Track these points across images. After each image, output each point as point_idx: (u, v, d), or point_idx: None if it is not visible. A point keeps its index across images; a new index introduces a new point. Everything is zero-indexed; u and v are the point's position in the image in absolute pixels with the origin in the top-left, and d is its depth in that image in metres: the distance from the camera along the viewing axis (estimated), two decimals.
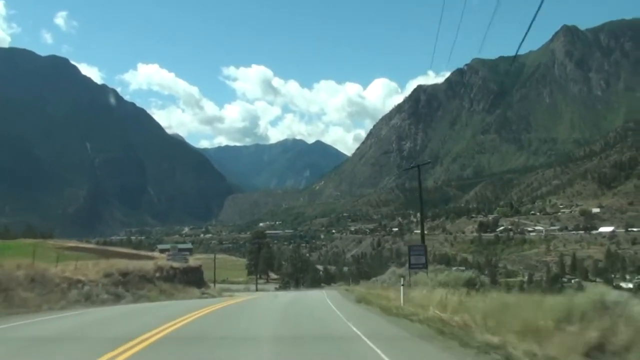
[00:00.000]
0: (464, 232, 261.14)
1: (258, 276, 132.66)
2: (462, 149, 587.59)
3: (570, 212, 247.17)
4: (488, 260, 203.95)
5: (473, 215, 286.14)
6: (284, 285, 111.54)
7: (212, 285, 76.59)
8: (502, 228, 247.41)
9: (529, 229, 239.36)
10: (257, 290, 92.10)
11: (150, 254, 55.99)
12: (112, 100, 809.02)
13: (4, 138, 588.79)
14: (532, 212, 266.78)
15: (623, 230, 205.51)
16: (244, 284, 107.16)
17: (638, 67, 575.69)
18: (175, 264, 38.65)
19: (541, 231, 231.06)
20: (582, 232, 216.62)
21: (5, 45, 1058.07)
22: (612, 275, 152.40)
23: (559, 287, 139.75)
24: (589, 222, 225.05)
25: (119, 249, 73.17)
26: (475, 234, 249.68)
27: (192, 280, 40.25)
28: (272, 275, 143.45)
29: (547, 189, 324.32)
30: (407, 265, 38.94)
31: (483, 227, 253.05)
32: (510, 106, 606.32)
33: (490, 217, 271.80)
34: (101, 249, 65.55)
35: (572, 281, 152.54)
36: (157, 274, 32.90)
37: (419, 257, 27.15)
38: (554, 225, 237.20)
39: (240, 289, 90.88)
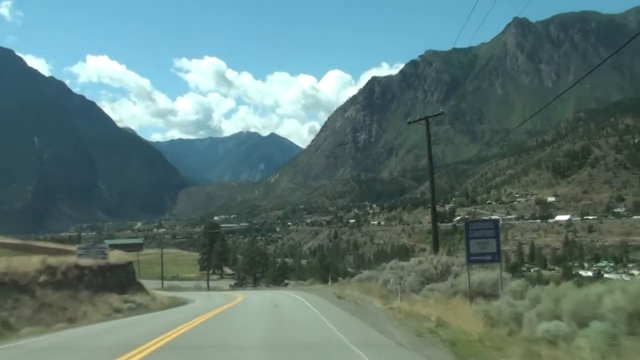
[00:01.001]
0: (421, 223, 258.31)
1: (211, 272, 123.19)
2: (416, 140, 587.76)
3: (526, 201, 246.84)
4: (446, 250, 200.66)
5: (429, 206, 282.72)
6: (240, 282, 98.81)
7: (152, 286, 68.79)
8: (459, 218, 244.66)
9: (486, 218, 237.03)
10: (208, 288, 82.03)
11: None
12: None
13: None
14: (488, 201, 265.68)
15: (579, 219, 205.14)
16: (196, 281, 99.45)
17: (587, 59, 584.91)
18: (84, 262, 29.31)
19: (498, 220, 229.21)
20: (539, 220, 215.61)
21: None
22: (570, 264, 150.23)
23: (519, 275, 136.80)
24: (545, 211, 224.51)
25: (47, 244, 64.64)
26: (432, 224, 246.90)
27: (112, 283, 30.88)
28: (227, 271, 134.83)
29: (502, 179, 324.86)
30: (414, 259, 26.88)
31: (440, 217, 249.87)
32: (464, 97, 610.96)
33: (447, 207, 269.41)
34: (25, 244, 57.26)
35: (532, 270, 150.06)
36: (44, 278, 21.19)
37: (486, 241, 14.80)
38: (510, 214, 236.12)
39: (191, 287, 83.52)
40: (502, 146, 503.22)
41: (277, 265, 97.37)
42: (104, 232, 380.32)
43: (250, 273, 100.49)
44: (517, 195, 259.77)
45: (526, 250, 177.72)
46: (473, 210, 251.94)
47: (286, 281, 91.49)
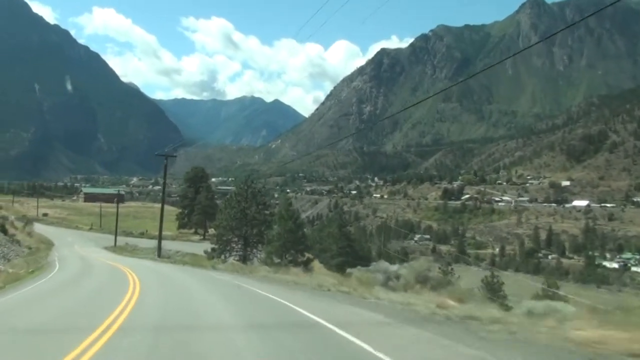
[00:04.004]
0: (426, 199, 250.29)
1: (193, 231, 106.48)
2: (422, 115, 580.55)
3: (539, 183, 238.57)
4: (455, 229, 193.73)
5: (437, 182, 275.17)
6: (221, 248, 52.92)
7: (104, 242, 59.92)
8: (467, 196, 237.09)
9: (497, 198, 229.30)
10: (159, 255, 52.77)
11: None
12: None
13: None
14: (499, 181, 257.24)
15: (598, 205, 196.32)
16: (170, 240, 76.86)
17: (600, 44, 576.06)
18: None
19: (510, 202, 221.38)
20: (555, 205, 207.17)
21: None
22: (590, 253, 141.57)
23: (536, 262, 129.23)
24: (560, 195, 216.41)
25: None
26: (439, 200, 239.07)
27: None
28: (213, 231, 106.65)
29: (510, 160, 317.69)
30: None
31: (447, 195, 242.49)
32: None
33: (455, 184, 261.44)
34: None
35: (550, 257, 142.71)
36: None
37: None
38: (522, 197, 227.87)
39: (149, 248, 61.20)
40: (510, 128, 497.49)
41: (292, 222, 49.23)
42: (98, 184, 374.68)
43: (238, 234, 54.16)
44: (529, 177, 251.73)
45: (542, 235, 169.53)
46: (482, 189, 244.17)
47: (307, 256, 49.58)
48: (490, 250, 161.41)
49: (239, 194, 54.04)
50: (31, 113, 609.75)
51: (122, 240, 78.10)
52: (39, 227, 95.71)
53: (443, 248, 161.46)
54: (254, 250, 53.09)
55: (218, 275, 29.44)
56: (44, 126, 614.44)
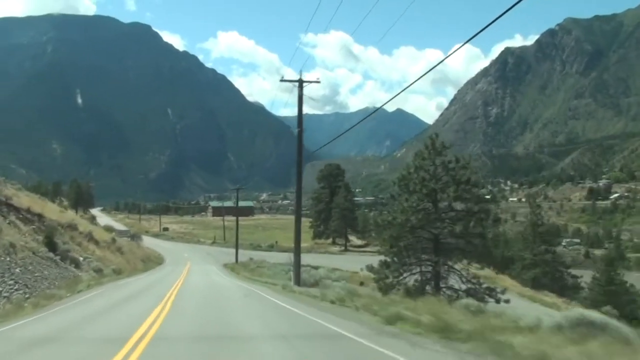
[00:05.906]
0: (569, 200, 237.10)
1: (331, 241, 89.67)
2: (553, 114, 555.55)
3: None
4: (607, 231, 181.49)
5: (579, 182, 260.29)
6: (398, 264, 29.04)
7: (225, 258, 55.84)
8: (616, 195, 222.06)
9: None
10: (298, 282, 28.40)
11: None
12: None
13: (88, 104, 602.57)
14: None
15: None
16: (304, 253, 50.11)
17: None
18: None
19: None
20: None
21: (91, 13, 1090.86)
22: None
23: None
24: None
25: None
26: (584, 201, 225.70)
27: None
28: (354, 241, 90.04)
29: None
30: None
31: (594, 194, 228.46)
32: (607, 68, 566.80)
33: (601, 183, 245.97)
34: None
35: None
36: None
37: None
38: None
39: (282, 261, 49.22)
40: None
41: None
42: (230, 201, 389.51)
43: (427, 237, 29.30)
44: None
45: None
46: (633, 187, 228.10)
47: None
48: None
49: (421, 168, 30.17)
50: (166, 136, 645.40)
51: (246, 254, 71.58)
52: (155, 243, 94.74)
53: (597, 252, 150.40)
54: (449, 263, 28.92)
55: None
56: (178, 148, 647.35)
